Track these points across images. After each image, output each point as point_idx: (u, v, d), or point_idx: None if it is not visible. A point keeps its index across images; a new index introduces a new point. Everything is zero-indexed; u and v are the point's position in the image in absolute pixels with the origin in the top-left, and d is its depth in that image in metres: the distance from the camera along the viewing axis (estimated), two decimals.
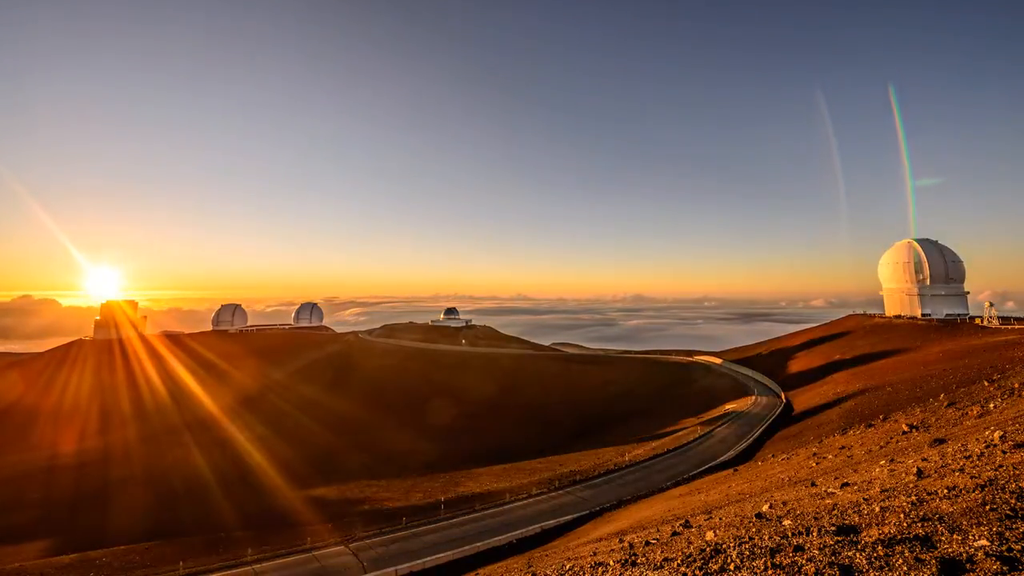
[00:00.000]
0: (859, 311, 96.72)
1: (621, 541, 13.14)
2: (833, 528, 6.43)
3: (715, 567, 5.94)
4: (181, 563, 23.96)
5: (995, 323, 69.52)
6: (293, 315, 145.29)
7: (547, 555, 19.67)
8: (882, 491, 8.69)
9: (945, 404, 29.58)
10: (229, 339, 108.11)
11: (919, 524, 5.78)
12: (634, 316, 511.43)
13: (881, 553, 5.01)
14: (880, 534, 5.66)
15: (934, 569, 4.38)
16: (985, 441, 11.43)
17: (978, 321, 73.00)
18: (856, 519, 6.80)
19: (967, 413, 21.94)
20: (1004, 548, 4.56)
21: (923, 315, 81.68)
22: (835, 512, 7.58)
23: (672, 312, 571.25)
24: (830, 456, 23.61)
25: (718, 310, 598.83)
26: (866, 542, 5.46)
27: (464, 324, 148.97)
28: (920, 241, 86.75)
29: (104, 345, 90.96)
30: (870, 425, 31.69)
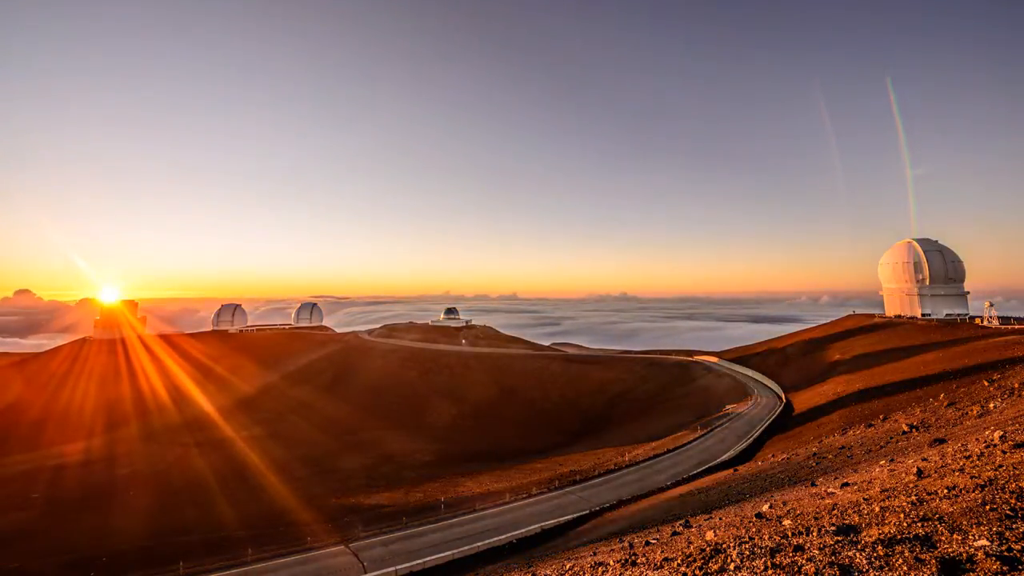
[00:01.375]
0: (859, 310, 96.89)
1: (621, 541, 13.15)
2: (833, 528, 6.44)
3: (715, 567, 5.94)
4: (181, 563, 23.97)
5: (995, 323, 69.48)
6: (293, 315, 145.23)
7: (547, 555, 19.68)
8: (882, 491, 8.69)
9: (945, 404, 29.61)
10: (229, 339, 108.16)
11: (919, 524, 5.78)
12: (589, 315, 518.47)
13: (881, 553, 5.01)
14: (880, 534, 5.66)
15: (934, 569, 4.39)
16: (985, 441, 11.43)
17: (978, 321, 72.98)
18: (856, 519, 6.80)
19: (967, 413, 21.96)
20: (1004, 548, 4.56)
21: (923, 315, 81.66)
22: (835, 512, 7.58)
23: (633, 312, 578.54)
24: (830, 456, 23.64)
25: (678, 309, 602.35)
26: (866, 542, 5.46)
27: (464, 324, 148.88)
28: (920, 241, 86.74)
29: (107, 345, 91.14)
30: (870, 425, 31.70)
